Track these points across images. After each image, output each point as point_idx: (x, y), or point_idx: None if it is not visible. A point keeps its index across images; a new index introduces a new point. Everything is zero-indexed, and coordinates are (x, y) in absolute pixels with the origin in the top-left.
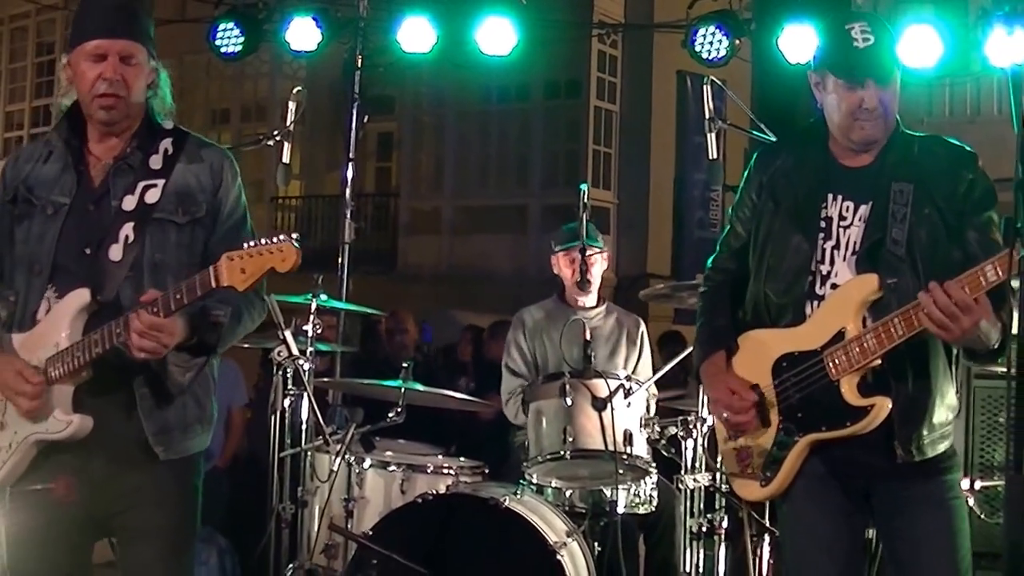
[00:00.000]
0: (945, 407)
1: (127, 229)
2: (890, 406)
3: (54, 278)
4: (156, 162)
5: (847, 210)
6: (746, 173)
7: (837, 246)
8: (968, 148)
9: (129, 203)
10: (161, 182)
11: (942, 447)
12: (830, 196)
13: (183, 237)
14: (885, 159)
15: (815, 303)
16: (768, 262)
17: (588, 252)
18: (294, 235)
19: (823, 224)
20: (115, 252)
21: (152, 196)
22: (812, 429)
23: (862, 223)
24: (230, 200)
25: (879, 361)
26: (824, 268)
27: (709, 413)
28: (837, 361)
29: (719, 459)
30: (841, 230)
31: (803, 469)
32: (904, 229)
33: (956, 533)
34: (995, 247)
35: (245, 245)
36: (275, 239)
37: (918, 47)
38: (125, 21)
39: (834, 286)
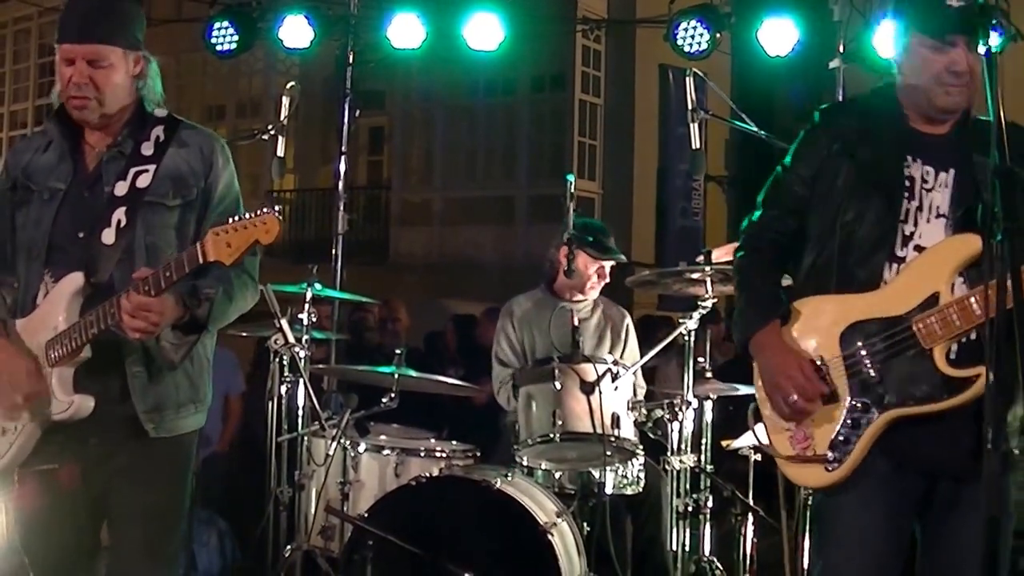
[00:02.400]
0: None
1: (119, 213)
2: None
3: (50, 262)
4: (147, 148)
5: (927, 174)
6: (804, 132)
7: (920, 208)
8: None
9: (121, 188)
10: (152, 167)
11: (1015, 441)
12: (909, 157)
13: (174, 220)
14: (962, 130)
15: (895, 266)
16: (844, 221)
17: (610, 264)
18: (276, 207)
19: (906, 183)
20: (108, 236)
21: (143, 181)
22: (895, 404)
23: (946, 188)
24: (221, 184)
25: (972, 330)
26: (907, 228)
27: (766, 390)
28: (934, 328)
29: (768, 442)
30: (924, 192)
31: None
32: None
33: (1004, 539)
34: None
35: (229, 220)
36: (258, 212)
37: (892, 38)
38: (93, 25)
39: (918, 248)
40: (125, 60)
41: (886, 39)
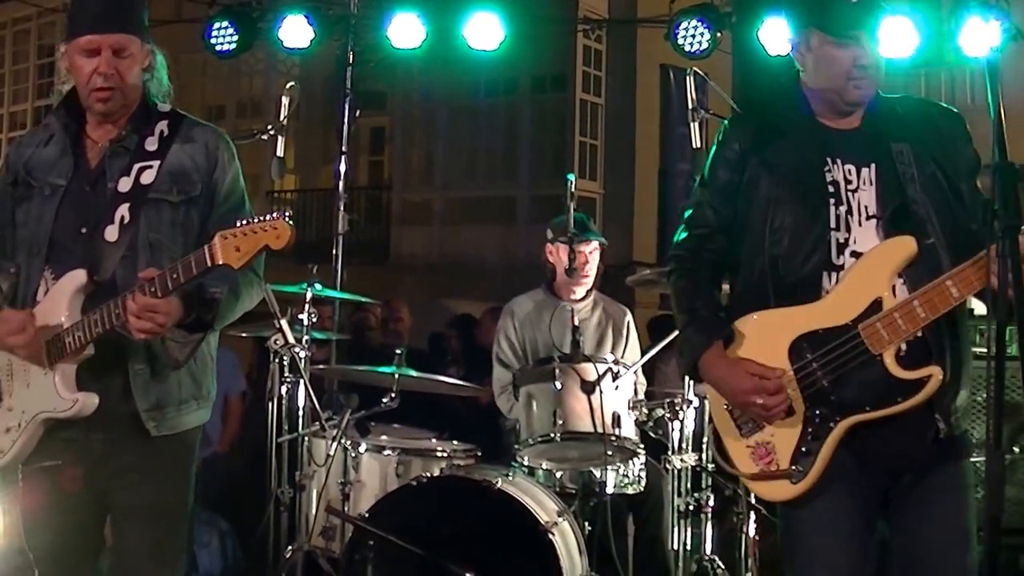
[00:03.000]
0: (969, 381)
1: (123, 210)
2: (942, 376)
3: (51, 258)
4: (152, 144)
5: (850, 173)
6: (716, 146)
7: (850, 211)
8: (956, 110)
9: (125, 184)
10: (156, 163)
11: (964, 424)
12: (829, 159)
13: (177, 216)
14: (874, 119)
15: (834, 274)
16: (771, 236)
17: (590, 247)
18: (287, 213)
19: (831, 189)
20: (111, 233)
21: (148, 177)
22: (853, 411)
23: (871, 186)
24: (227, 181)
25: (919, 331)
26: (840, 236)
27: (717, 400)
28: (880, 334)
29: (728, 461)
30: (851, 194)
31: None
32: (918, 189)
33: (969, 522)
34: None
35: (239, 223)
36: (268, 216)
37: (895, 38)
38: (116, 14)
39: (855, 254)
40: (141, 51)
41: (886, 38)
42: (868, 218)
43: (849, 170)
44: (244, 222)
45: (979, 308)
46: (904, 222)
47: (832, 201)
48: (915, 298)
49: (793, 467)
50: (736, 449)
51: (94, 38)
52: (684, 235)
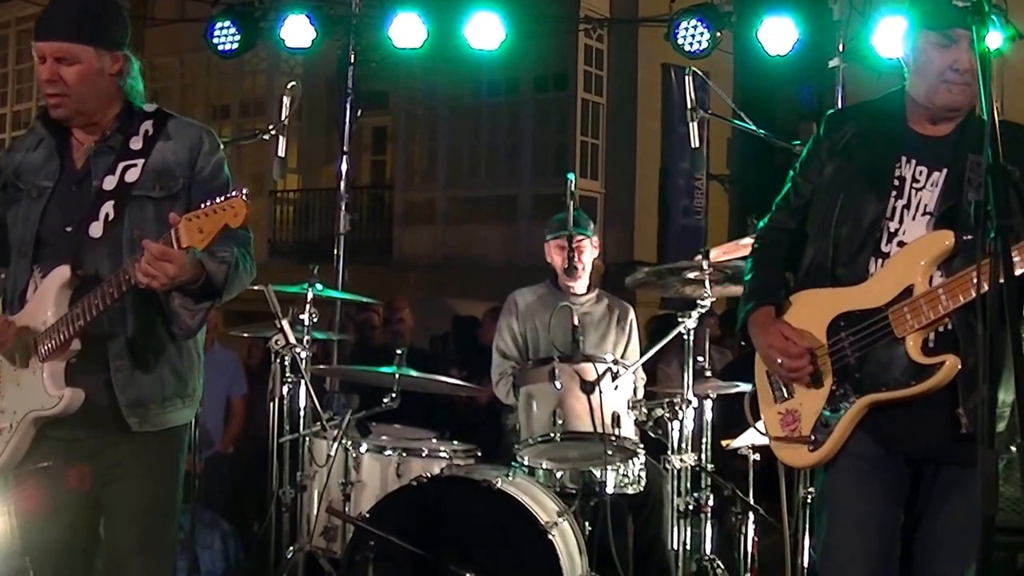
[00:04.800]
0: (1007, 383)
1: (108, 207)
2: (959, 365)
3: (38, 258)
4: (136, 143)
5: (920, 174)
6: (814, 135)
7: (908, 206)
8: None
9: (109, 183)
10: (141, 162)
11: (1000, 427)
12: (903, 158)
13: (160, 212)
14: (963, 131)
15: (880, 261)
16: (837, 218)
17: (576, 240)
18: (244, 190)
19: (896, 183)
20: (95, 229)
21: (132, 175)
22: (871, 390)
23: (935, 188)
24: (208, 168)
25: (947, 321)
26: (892, 225)
27: (761, 365)
28: (905, 318)
29: (761, 423)
30: (913, 191)
31: (850, 447)
32: (980, 195)
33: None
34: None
35: (202, 205)
36: (226, 196)
37: (894, 38)
38: (58, 23)
39: (901, 244)
40: (99, 58)
41: (885, 38)
42: (923, 214)
43: (920, 171)
44: (207, 203)
45: None
46: (952, 220)
47: (893, 194)
48: (940, 287)
49: (812, 436)
50: (769, 415)
51: (39, 45)
52: (770, 214)
